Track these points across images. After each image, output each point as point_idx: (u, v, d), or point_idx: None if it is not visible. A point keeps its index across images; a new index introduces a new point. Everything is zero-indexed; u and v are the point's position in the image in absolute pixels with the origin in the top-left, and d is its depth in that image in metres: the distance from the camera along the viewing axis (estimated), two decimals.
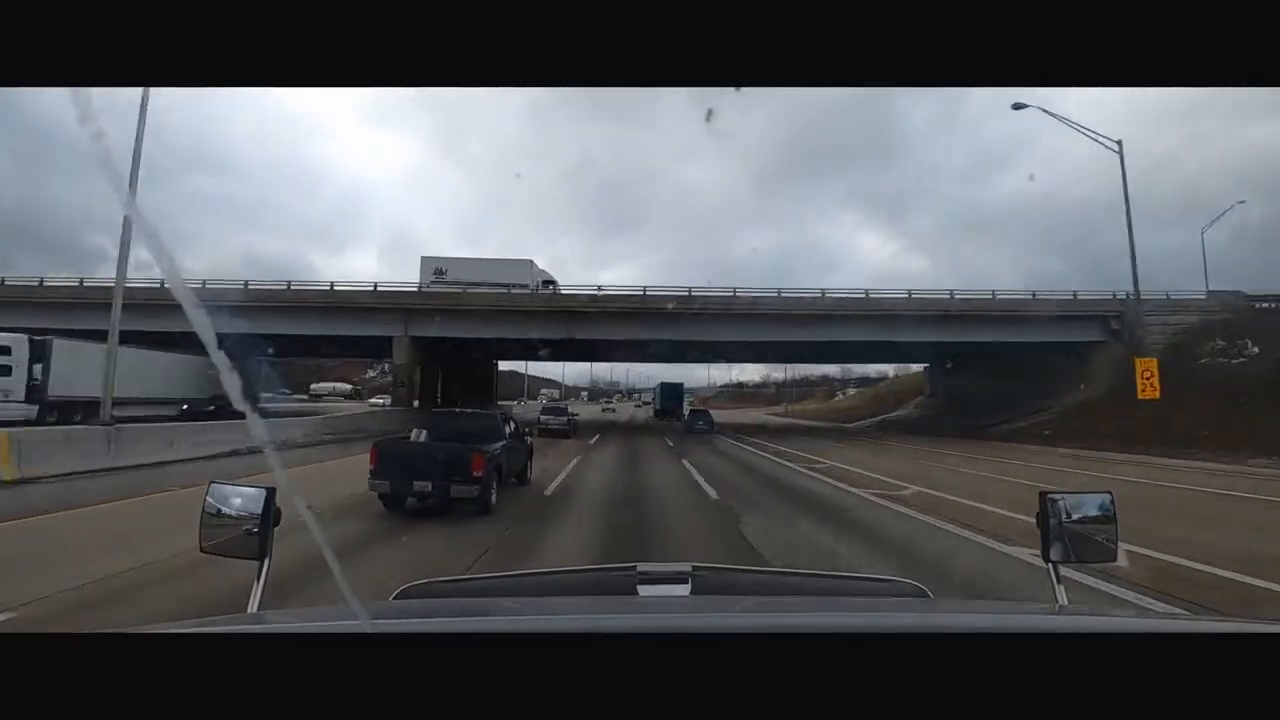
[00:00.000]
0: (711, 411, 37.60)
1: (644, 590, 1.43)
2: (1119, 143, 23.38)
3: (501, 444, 8.64)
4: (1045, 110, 22.90)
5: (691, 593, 1.43)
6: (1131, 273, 23.66)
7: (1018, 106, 22.77)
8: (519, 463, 9.92)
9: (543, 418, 24.32)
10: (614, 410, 59.14)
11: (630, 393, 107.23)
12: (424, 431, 9.05)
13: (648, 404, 60.40)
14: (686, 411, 34.01)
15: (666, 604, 1.36)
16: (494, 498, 7.92)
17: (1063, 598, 1.35)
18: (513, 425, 9.91)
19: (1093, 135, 23.19)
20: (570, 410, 28.24)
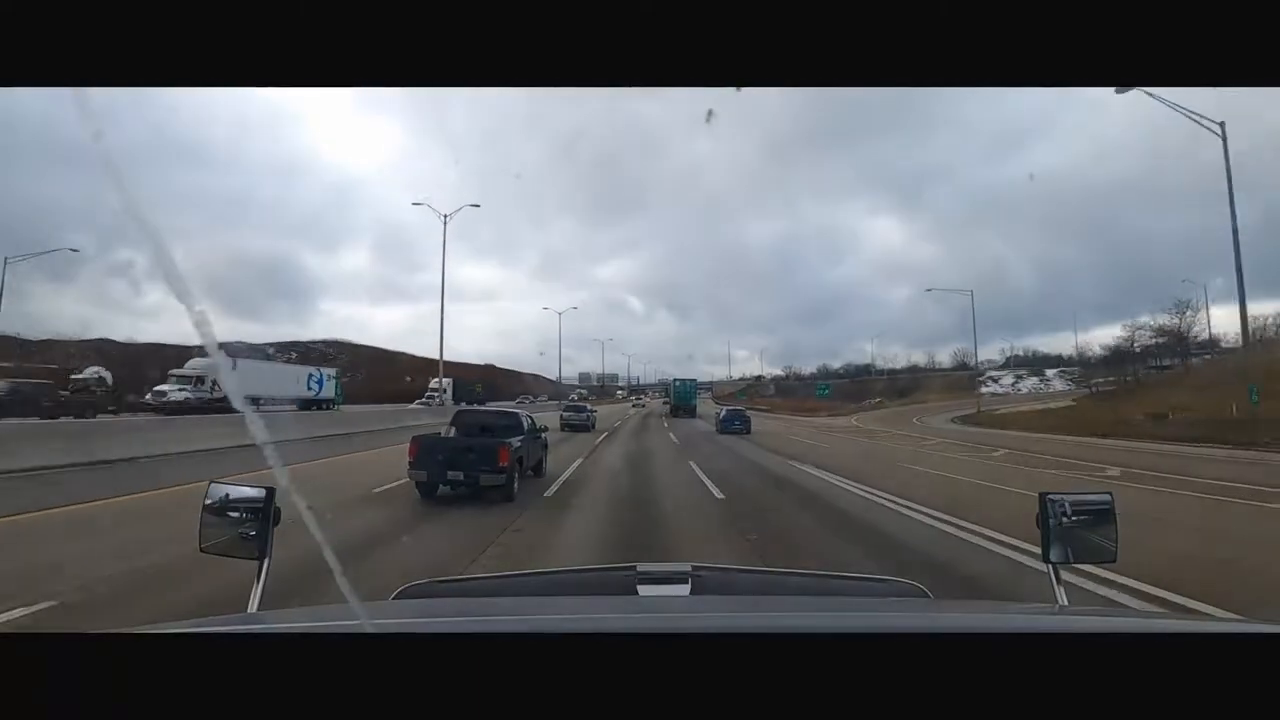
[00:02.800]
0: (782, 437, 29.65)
1: (644, 590, 1.42)
2: (1221, 124, 19.71)
3: (521, 438, 9.50)
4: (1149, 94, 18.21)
5: (691, 593, 1.43)
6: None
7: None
8: (536, 456, 10.76)
9: (564, 414, 27.24)
10: (643, 405, 70.14)
11: (633, 390, 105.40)
12: (453, 428, 10.12)
13: (667, 402, 60.75)
14: (721, 412, 30.59)
15: (666, 604, 1.36)
16: (516, 486, 8.76)
17: (1063, 598, 1.35)
18: (530, 422, 10.85)
19: (1195, 118, 19.52)
20: (590, 408, 30.63)
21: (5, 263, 31.61)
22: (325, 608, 1.23)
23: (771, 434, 27.09)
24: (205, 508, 1.38)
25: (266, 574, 1.33)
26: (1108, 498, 1.43)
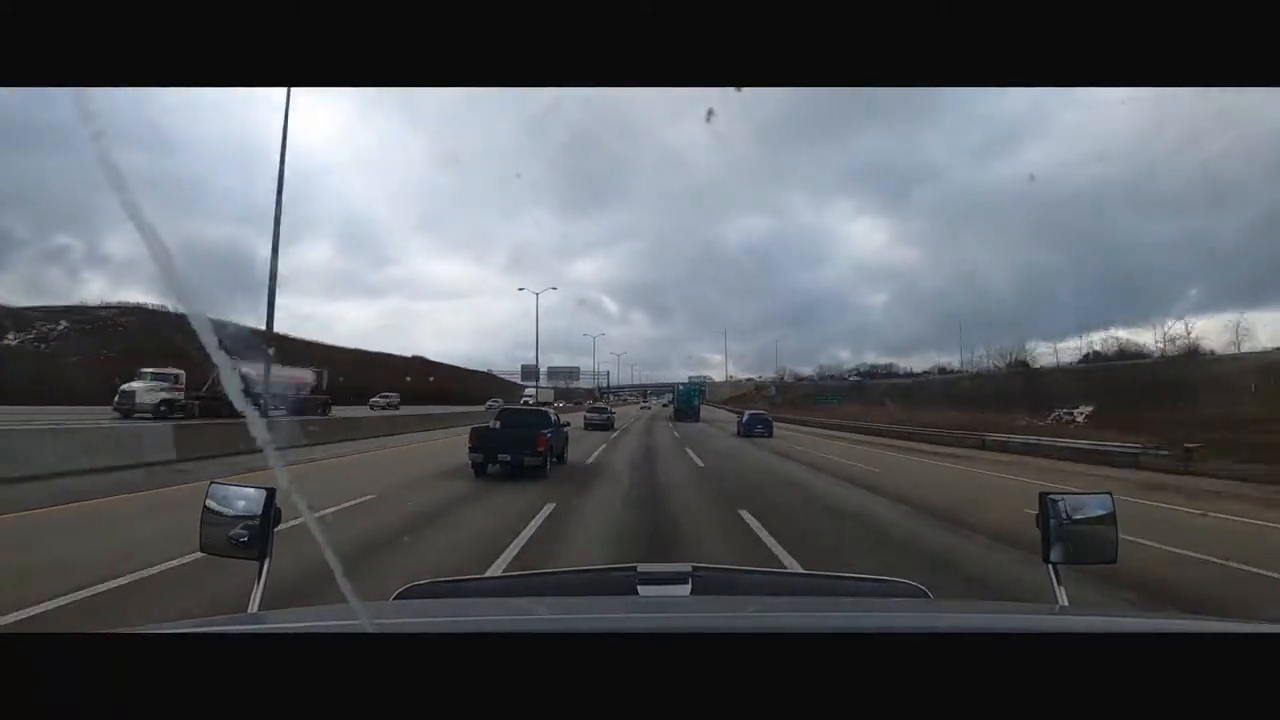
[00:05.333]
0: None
1: (644, 590, 1.43)
2: None
3: (551, 430, 12.29)
4: None
5: (691, 593, 1.43)
6: None
7: None
8: (560, 445, 13.58)
9: (588, 415, 31.47)
10: (649, 407, 73.48)
11: (603, 392, 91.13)
12: (499, 422, 12.84)
13: (667, 405, 61.39)
14: (744, 416, 32.27)
15: (666, 604, 1.36)
16: (548, 466, 11.58)
17: (1063, 598, 1.35)
18: (556, 418, 13.91)
19: None
20: (609, 409, 35.20)
21: None
22: (325, 608, 1.23)
23: None
24: (206, 508, 1.38)
25: (267, 574, 1.33)
26: (1108, 499, 1.43)
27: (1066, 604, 1.34)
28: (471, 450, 11.17)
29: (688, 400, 48.80)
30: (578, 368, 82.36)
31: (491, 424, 12.59)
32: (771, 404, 66.97)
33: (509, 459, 11.04)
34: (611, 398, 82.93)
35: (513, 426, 12.26)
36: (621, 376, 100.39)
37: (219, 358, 0.66)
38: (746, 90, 0.70)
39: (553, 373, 79.06)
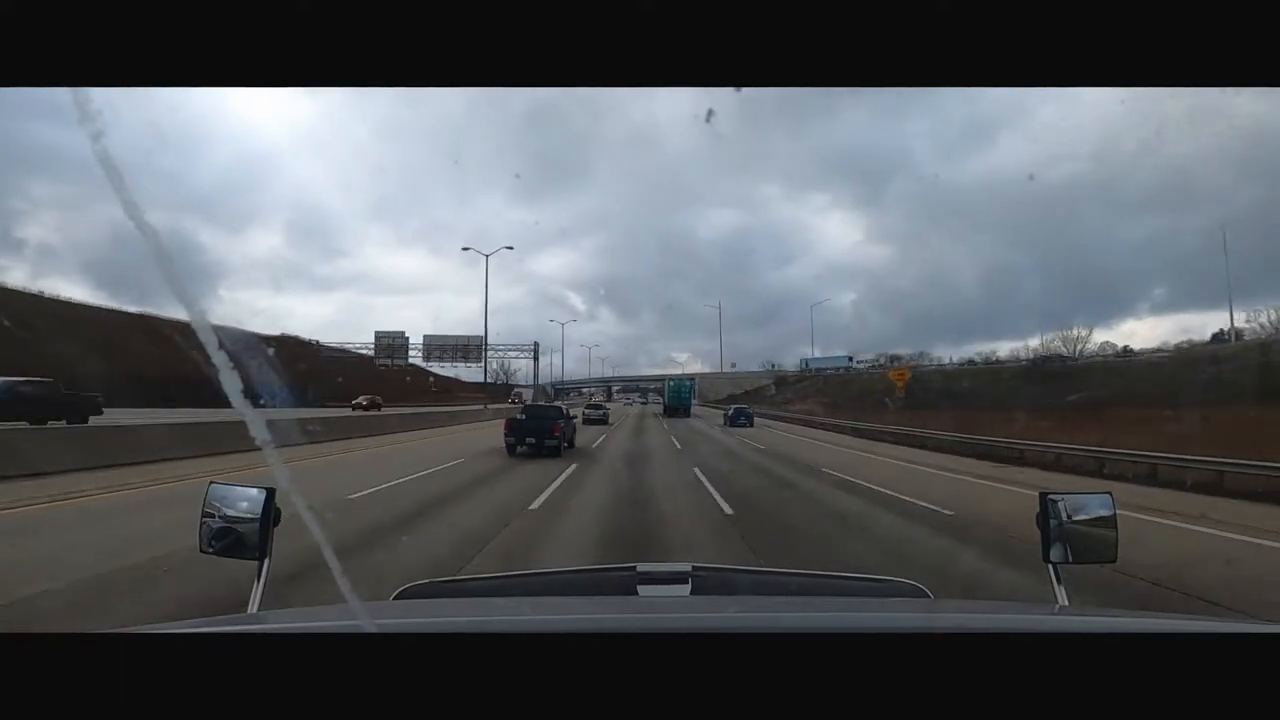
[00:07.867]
0: None
1: (644, 590, 1.43)
2: None
3: (563, 420, 16.78)
4: None
5: (691, 593, 1.43)
6: None
7: None
8: (570, 433, 17.85)
9: (586, 411, 35.93)
10: (634, 404, 77.31)
11: (559, 390, 73.37)
12: (524, 415, 17.11)
13: (653, 402, 60.65)
14: (731, 410, 35.24)
15: (666, 604, 1.36)
16: (562, 448, 15.92)
17: (1063, 598, 1.35)
18: (568, 411, 18.79)
19: None
20: (605, 405, 41.46)
21: None
22: (325, 608, 1.23)
23: None
24: (205, 508, 1.38)
25: (267, 574, 1.33)
26: (1108, 499, 1.43)
27: (1066, 604, 1.34)
28: (506, 435, 15.53)
29: (678, 396, 47.81)
30: (479, 336, 52.81)
31: (519, 416, 17.14)
32: (770, 402, 63.98)
33: (533, 441, 15.32)
34: (525, 395, 56.03)
35: (536, 418, 16.76)
36: (573, 368, 76.83)
37: (219, 358, 0.66)
38: (744, 90, 0.70)
39: (430, 345, 55.30)
